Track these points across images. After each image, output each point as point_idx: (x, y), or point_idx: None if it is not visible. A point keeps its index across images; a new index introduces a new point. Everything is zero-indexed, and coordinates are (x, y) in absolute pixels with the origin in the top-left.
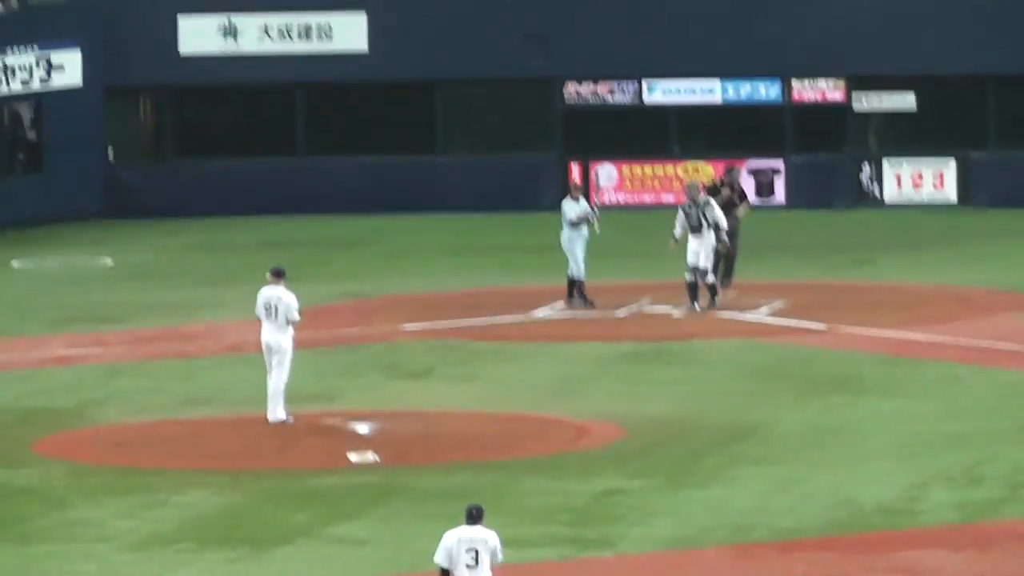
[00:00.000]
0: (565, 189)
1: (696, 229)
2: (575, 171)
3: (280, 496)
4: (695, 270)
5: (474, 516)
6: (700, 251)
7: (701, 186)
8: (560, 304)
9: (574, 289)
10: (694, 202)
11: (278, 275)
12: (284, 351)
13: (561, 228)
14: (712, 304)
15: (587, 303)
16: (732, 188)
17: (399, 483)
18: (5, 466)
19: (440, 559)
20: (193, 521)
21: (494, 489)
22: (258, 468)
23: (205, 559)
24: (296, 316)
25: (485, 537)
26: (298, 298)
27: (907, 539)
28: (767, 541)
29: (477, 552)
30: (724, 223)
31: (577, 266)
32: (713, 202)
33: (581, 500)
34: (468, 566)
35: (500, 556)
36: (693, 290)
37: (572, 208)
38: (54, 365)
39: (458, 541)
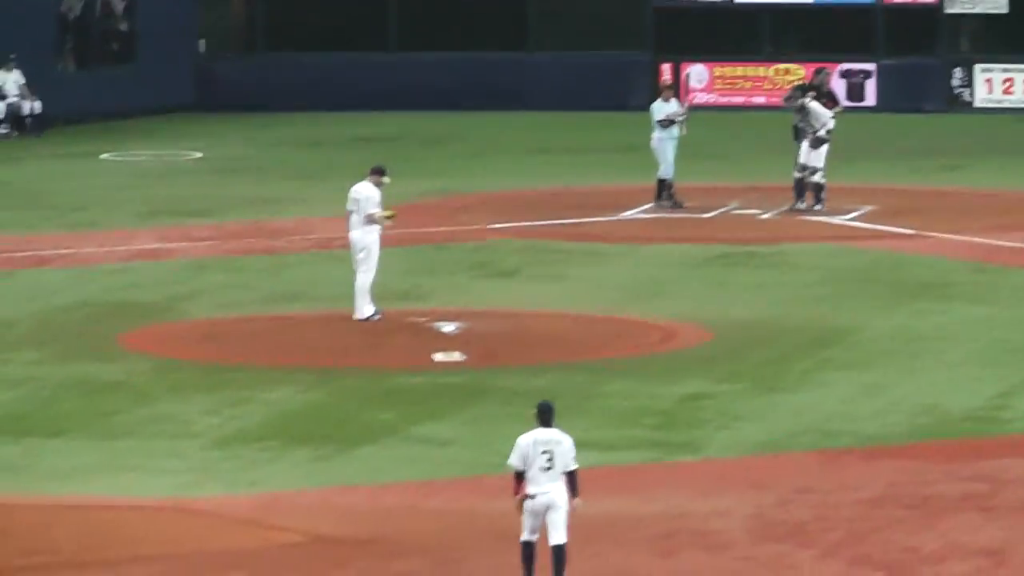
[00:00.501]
0: (655, 89)
1: (803, 132)
2: (666, 72)
3: (366, 395)
4: (804, 168)
5: (546, 415)
6: (810, 151)
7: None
8: (649, 205)
9: (663, 190)
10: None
11: (374, 172)
12: (368, 248)
13: (652, 128)
14: (818, 203)
15: (676, 204)
16: (820, 91)
17: (485, 383)
18: (92, 360)
19: (515, 461)
20: (278, 418)
21: (580, 391)
22: (344, 366)
23: (290, 456)
24: (372, 211)
25: (560, 439)
26: (383, 197)
27: (993, 447)
28: (853, 447)
29: (553, 454)
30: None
31: (667, 166)
32: (812, 105)
33: (667, 403)
34: (544, 468)
35: (574, 464)
36: (799, 187)
37: (663, 109)
38: (142, 259)
39: (534, 443)
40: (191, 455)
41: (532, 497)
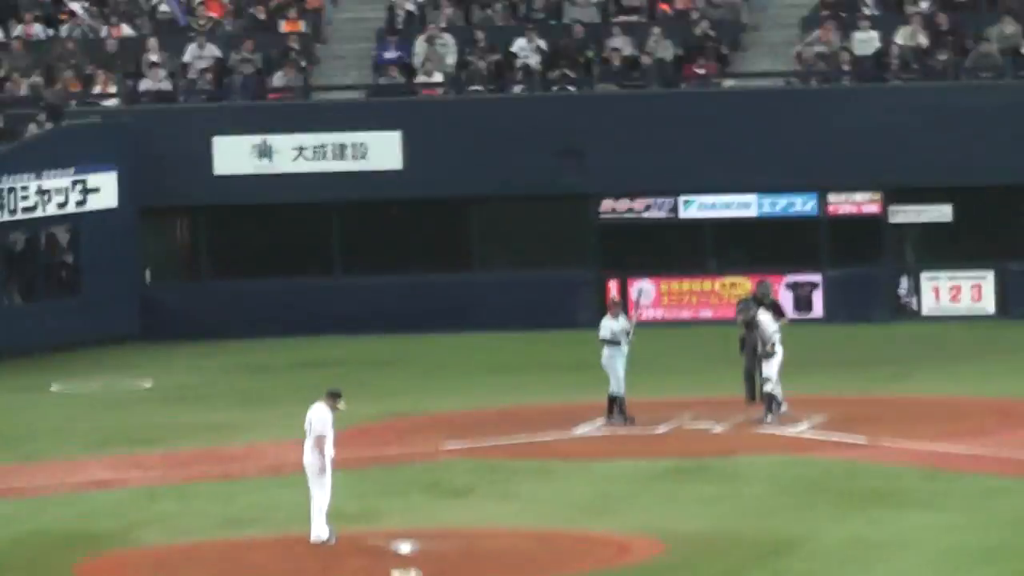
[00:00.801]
0: (602, 306)
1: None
2: (613, 288)
3: None
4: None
5: None
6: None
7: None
8: (600, 421)
9: (614, 406)
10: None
11: (330, 395)
12: (317, 470)
13: (601, 345)
14: (768, 414)
15: (628, 420)
16: (764, 303)
17: None
18: None
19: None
20: None
21: None
22: None
23: None
24: (318, 431)
25: None
26: (333, 419)
27: None
28: None
29: None
30: (767, 338)
31: (617, 383)
32: (761, 318)
33: None
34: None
35: None
36: (770, 400)
37: (609, 326)
38: (95, 488)
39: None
40: None
41: None
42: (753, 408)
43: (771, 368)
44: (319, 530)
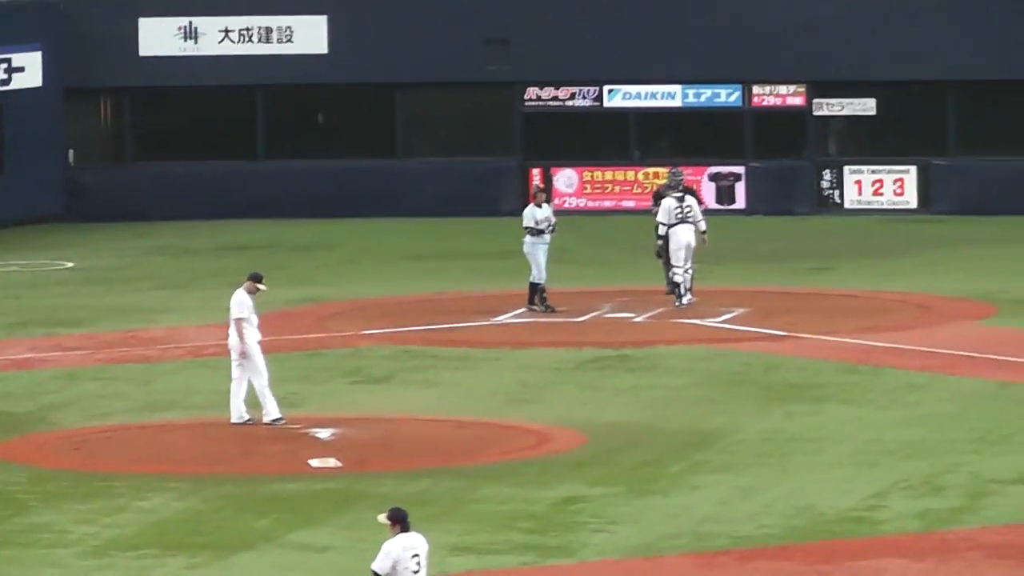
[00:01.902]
0: (525, 193)
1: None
2: (538, 176)
3: (241, 502)
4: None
5: (407, 520)
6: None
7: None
8: (522, 309)
9: (536, 294)
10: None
11: (250, 279)
12: (245, 352)
13: (523, 233)
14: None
15: (549, 308)
16: (676, 191)
17: (360, 489)
18: None
19: (383, 566)
20: (154, 526)
21: (455, 495)
22: (219, 473)
23: (166, 564)
24: (235, 314)
25: (424, 543)
26: (254, 302)
27: (868, 548)
28: (728, 549)
29: (420, 558)
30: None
31: (539, 271)
32: (688, 198)
33: (542, 507)
34: (414, 572)
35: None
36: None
37: (534, 214)
38: (14, 369)
39: (403, 548)
40: (67, 564)
41: None
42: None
43: (675, 256)
44: (271, 411)
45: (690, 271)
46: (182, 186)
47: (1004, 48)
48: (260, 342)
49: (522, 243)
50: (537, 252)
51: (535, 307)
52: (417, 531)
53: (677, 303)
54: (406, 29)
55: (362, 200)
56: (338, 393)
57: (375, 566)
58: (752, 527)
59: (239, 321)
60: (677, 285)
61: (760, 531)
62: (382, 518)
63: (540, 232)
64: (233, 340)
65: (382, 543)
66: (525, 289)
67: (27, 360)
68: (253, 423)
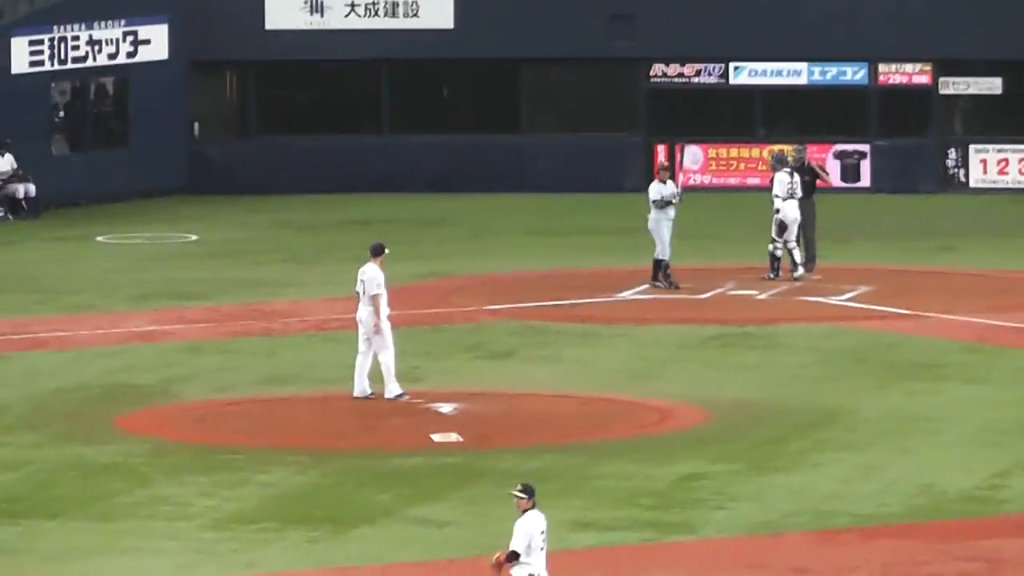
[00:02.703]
0: (650, 170)
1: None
2: (662, 153)
3: (362, 476)
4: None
5: (534, 497)
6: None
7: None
8: (645, 286)
9: (659, 271)
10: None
11: (375, 253)
12: (372, 328)
13: (647, 209)
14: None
15: (673, 285)
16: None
17: (482, 465)
18: (89, 442)
19: (522, 545)
20: (274, 499)
21: (576, 472)
22: (340, 448)
23: (286, 538)
24: (372, 290)
25: (545, 518)
26: (385, 277)
27: (988, 527)
28: (849, 527)
29: (546, 534)
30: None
31: (663, 248)
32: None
33: (663, 484)
34: (541, 548)
35: None
36: (774, 259)
37: (659, 190)
38: (138, 341)
39: (536, 524)
40: (188, 537)
41: None
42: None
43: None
44: (393, 387)
45: (793, 246)
46: (306, 160)
47: None
48: (389, 317)
49: (646, 219)
50: (661, 228)
51: (659, 283)
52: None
53: (769, 275)
54: (532, 4)
55: (485, 175)
56: (460, 368)
57: (516, 546)
58: (873, 505)
59: (376, 297)
60: (775, 259)
61: (881, 509)
62: (517, 492)
63: (666, 204)
64: (364, 314)
65: (515, 521)
66: (648, 265)
67: (151, 333)
68: (376, 398)
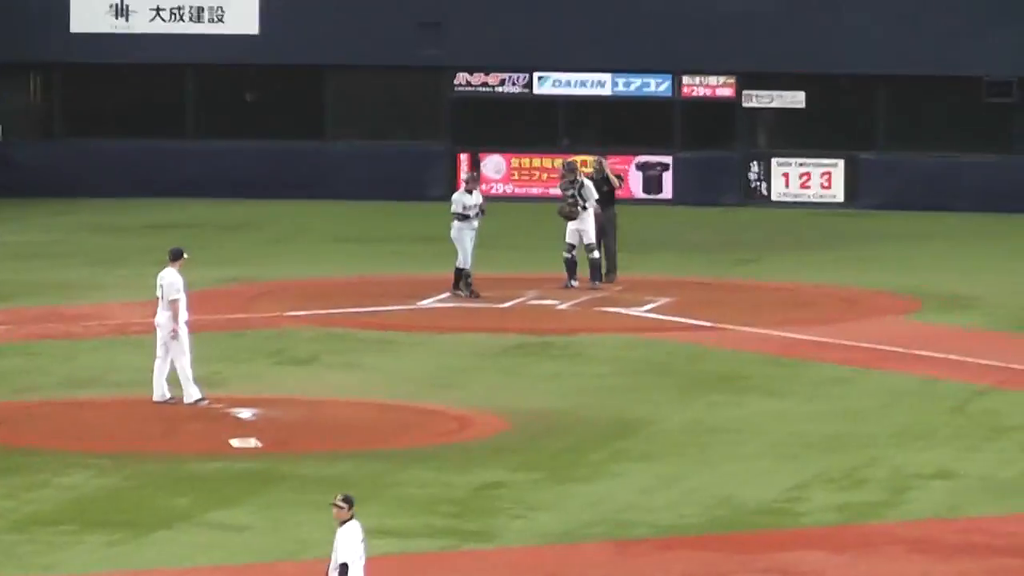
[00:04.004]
0: (453, 179)
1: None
2: (466, 162)
3: (161, 480)
4: (572, 247)
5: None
6: (579, 229)
7: (579, 165)
8: (446, 294)
9: (461, 280)
10: (571, 182)
11: (174, 258)
12: (169, 333)
13: (452, 219)
14: (598, 280)
15: (473, 294)
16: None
17: (281, 470)
18: None
19: (354, 555)
20: (73, 502)
21: (375, 478)
22: (140, 451)
23: (85, 541)
24: (171, 295)
25: (362, 528)
26: (185, 282)
27: (788, 539)
28: (648, 538)
29: (365, 544)
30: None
31: (465, 257)
32: (587, 182)
33: (462, 492)
34: (360, 557)
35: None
36: (571, 267)
37: (463, 200)
38: None
39: (358, 534)
40: None
41: None
42: (613, 287)
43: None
44: (192, 391)
45: (570, 254)
46: (111, 163)
47: (934, 43)
48: (187, 322)
49: (449, 228)
50: (464, 237)
51: (460, 292)
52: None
53: (569, 283)
54: (338, 10)
55: (290, 181)
56: (261, 374)
57: (346, 557)
58: (672, 516)
59: (175, 302)
60: (572, 265)
61: (680, 520)
62: (339, 501)
63: (468, 217)
64: (162, 319)
65: (336, 532)
66: (450, 274)
67: None
68: (175, 402)
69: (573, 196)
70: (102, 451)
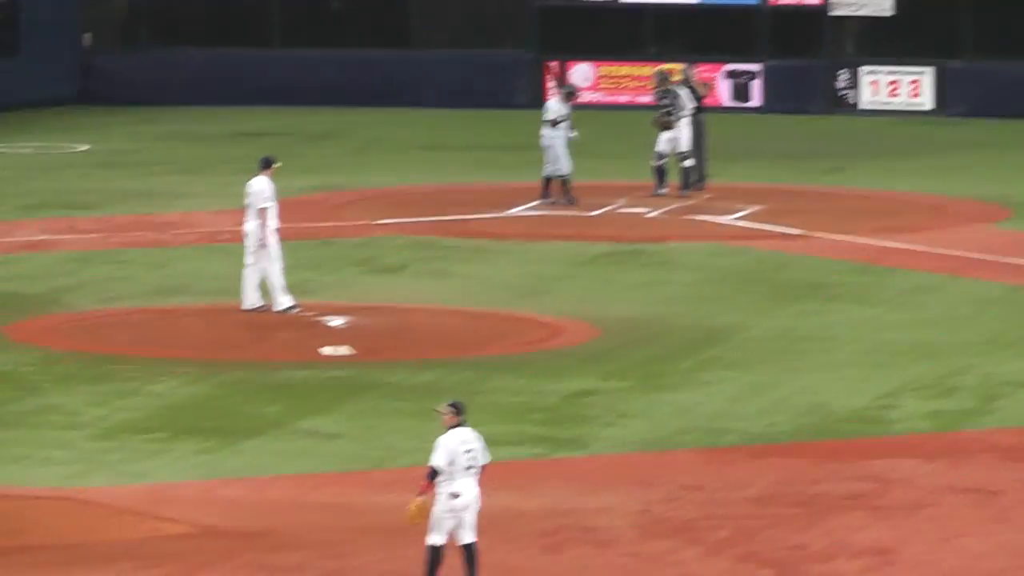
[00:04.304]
0: (539, 87)
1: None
2: (564, 72)
3: (252, 388)
4: (662, 156)
5: (464, 415)
6: (672, 138)
7: (671, 73)
8: (535, 203)
9: (560, 186)
10: (665, 92)
11: (261, 165)
12: (257, 241)
13: (543, 126)
14: (688, 188)
15: (571, 200)
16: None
17: (371, 378)
18: None
19: (441, 461)
20: (164, 410)
21: (466, 386)
22: (230, 359)
23: (175, 448)
24: (259, 203)
25: (477, 438)
26: (274, 189)
27: (878, 447)
28: (738, 445)
29: (475, 453)
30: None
31: (564, 163)
32: (681, 91)
33: (553, 399)
34: (466, 468)
35: (488, 458)
36: (660, 174)
37: (559, 108)
38: (27, 251)
39: (460, 443)
40: (78, 446)
41: (456, 496)
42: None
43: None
44: (282, 300)
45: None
46: (197, 72)
47: None
48: (277, 230)
49: (540, 136)
50: (556, 145)
51: (557, 198)
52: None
53: (659, 191)
54: None
55: (375, 89)
56: (350, 282)
57: (434, 461)
58: (762, 424)
59: (263, 210)
60: (661, 173)
61: (770, 428)
62: (443, 408)
63: (559, 124)
64: (251, 227)
65: (438, 438)
66: (538, 182)
67: (40, 242)
68: (265, 310)
69: (668, 106)
70: (192, 359)
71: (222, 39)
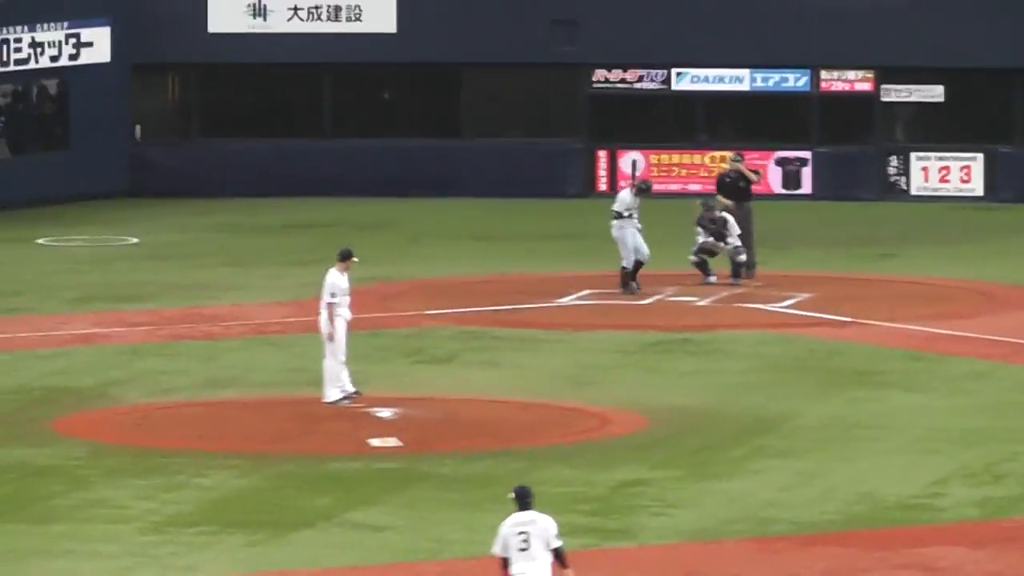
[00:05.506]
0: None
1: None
2: (631, 165)
3: (301, 480)
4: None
5: (524, 499)
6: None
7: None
8: (585, 292)
9: (633, 273)
10: (712, 219)
11: (339, 257)
12: (330, 333)
13: (613, 216)
14: (738, 277)
15: (633, 287)
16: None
17: (421, 469)
18: (26, 445)
19: (496, 548)
20: (213, 503)
21: (515, 477)
22: (280, 452)
23: (224, 542)
24: (326, 298)
25: (535, 519)
26: (347, 281)
27: (927, 535)
28: (788, 534)
29: (528, 534)
30: (736, 238)
31: (628, 255)
32: (729, 218)
33: (602, 490)
34: (520, 549)
35: (558, 541)
36: (703, 266)
37: (628, 200)
38: (77, 344)
39: (511, 526)
40: (126, 540)
41: None
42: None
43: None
44: (331, 392)
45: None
46: (247, 163)
47: None
48: (349, 321)
49: (610, 226)
50: (626, 236)
51: (625, 289)
52: (537, 510)
53: (708, 279)
54: (474, 9)
55: (427, 180)
56: (400, 373)
57: (493, 547)
58: (812, 513)
59: (331, 305)
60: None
61: (820, 517)
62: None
63: (628, 216)
64: (321, 319)
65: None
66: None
67: (90, 335)
68: (356, 396)
69: (715, 232)
70: (242, 451)
71: (272, 130)
